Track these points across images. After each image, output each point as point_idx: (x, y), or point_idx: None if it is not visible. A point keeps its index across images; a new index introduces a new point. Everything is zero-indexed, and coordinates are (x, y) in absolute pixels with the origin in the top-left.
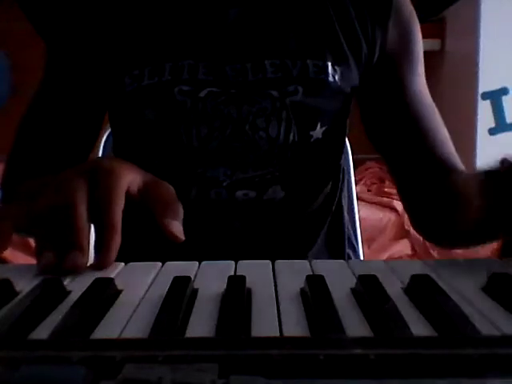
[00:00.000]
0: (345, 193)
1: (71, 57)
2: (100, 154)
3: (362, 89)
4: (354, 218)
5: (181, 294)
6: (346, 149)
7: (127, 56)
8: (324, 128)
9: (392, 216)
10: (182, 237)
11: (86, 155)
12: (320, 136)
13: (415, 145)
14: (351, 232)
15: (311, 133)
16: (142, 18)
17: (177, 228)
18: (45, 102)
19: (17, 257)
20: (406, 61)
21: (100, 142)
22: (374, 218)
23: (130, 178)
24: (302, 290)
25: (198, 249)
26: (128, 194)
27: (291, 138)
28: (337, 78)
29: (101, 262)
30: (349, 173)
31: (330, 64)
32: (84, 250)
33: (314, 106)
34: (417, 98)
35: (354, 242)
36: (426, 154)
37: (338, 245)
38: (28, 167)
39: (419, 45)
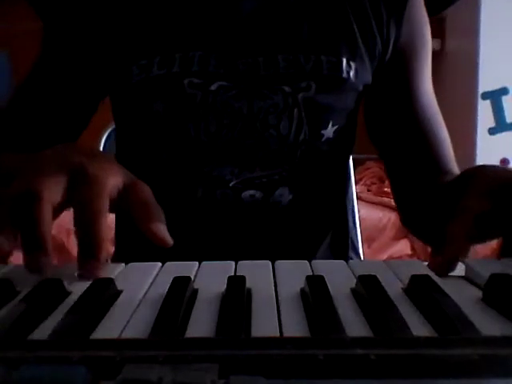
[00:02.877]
0: (348, 196)
1: (71, 39)
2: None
3: (370, 86)
4: (354, 217)
5: (181, 294)
6: None
7: (135, 45)
8: (336, 127)
9: (392, 216)
10: (170, 241)
11: (75, 135)
12: (331, 136)
13: (414, 146)
14: (354, 233)
15: (322, 132)
16: (152, 6)
17: (163, 232)
18: (40, 79)
19: (17, 257)
20: (416, 59)
21: (101, 140)
22: (373, 218)
23: (113, 183)
24: (302, 290)
25: (200, 249)
26: (110, 199)
27: (302, 136)
28: (351, 74)
29: (91, 272)
30: (349, 172)
31: (344, 60)
32: (48, 254)
33: (327, 104)
34: (422, 100)
35: (356, 244)
36: (423, 157)
37: (342, 248)
38: (12, 137)
39: (429, 43)
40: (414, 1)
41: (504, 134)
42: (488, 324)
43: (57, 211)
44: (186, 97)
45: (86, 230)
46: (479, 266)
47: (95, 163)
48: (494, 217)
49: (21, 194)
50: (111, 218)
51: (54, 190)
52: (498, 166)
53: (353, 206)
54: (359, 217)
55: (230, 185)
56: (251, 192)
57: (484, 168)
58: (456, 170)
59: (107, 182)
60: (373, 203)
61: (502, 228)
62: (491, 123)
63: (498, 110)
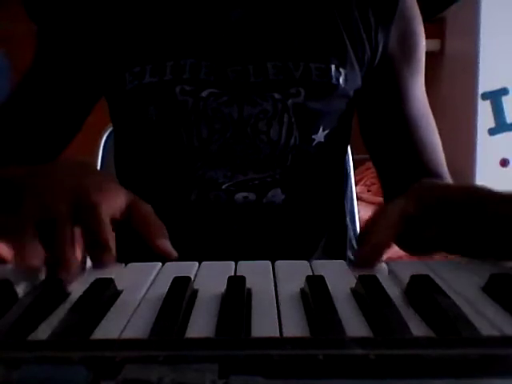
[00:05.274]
0: (347, 195)
1: (65, 46)
2: (100, 154)
3: (361, 90)
4: (354, 218)
5: (181, 294)
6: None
7: (128, 52)
8: (326, 131)
9: None
10: (175, 254)
11: (68, 138)
12: (322, 139)
13: (403, 151)
14: (352, 235)
15: (313, 136)
16: (144, 15)
17: (168, 247)
18: (34, 84)
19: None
20: (406, 65)
21: (101, 140)
22: None
23: (116, 206)
24: (302, 291)
25: (196, 251)
26: (112, 218)
27: (292, 141)
28: (341, 80)
29: (104, 261)
30: (349, 173)
31: (333, 66)
32: (72, 273)
33: (317, 109)
34: (413, 105)
35: (355, 244)
36: (412, 162)
37: (340, 248)
38: (5, 144)
39: (421, 50)
40: (404, 7)
41: (504, 134)
42: (488, 323)
43: None
44: (177, 103)
45: (93, 238)
46: (479, 266)
47: (99, 186)
48: (427, 226)
49: (42, 218)
50: None
51: (68, 213)
52: (441, 183)
53: (353, 206)
54: (359, 217)
55: (223, 187)
56: (244, 194)
57: (424, 182)
58: (446, 174)
59: (108, 204)
60: (373, 203)
61: (436, 238)
62: (491, 123)
63: (498, 111)
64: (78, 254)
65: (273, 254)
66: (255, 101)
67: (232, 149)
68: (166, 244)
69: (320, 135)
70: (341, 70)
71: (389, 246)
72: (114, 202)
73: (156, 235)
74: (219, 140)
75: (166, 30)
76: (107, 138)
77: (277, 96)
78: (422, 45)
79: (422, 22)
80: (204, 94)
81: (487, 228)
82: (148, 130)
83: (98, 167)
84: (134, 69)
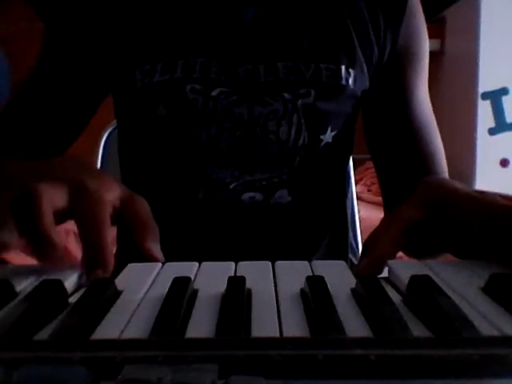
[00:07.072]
0: (348, 196)
1: (74, 43)
2: (100, 153)
3: (368, 91)
4: (354, 217)
5: (181, 294)
6: None
7: (139, 51)
8: (334, 132)
9: None
10: (162, 259)
11: (74, 136)
12: (330, 140)
13: (405, 154)
14: (352, 236)
15: (321, 137)
16: (156, 13)
17: (155, 252)
18: (41, 81)
19: (17, 257)
20: (410, 68)
21: (101, 140)
22: (374, 218)
23: (111, 198)
24: (302, 291)
25: (201, 249)
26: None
27: (301, 141)
28: (350, 81)
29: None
30: (349, 173)
31: (343, 67)
32: (53, 245)
33: (326, 110)
34: (416, 108)
35: (355, 247)
36: (413, 165)
37: (341, 251)
38: (12, 141)
39: (424, 48)
40: (412, 9)
41: (504, 134)
42: (488, 323)
43: (58, 220)
44: (187, 102)
45: (91, 241)
46: (479, 266)
47: (94, 179)
48: (432, 229)
49: (20, 195)
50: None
51: (52, 195)
52: (446, 184)
53: (353, 206)
54: (359, 217)
55: (231, 187)
56: (251, 194)
57: (428, 182)
58: (445, 176)
59: (106, 196)
60: (373, 203)
61: (441, 240)
62: (491, 123)
63: (497, 110)
64: (74, 246)
65: (275, 253)
66: (265, 101)
67: (241, 148)
68: (154, 248)
69: (328, 136)
70: (350, 70)
71: (389, 259)
72: (112, 192)
73: (146, 237)
74: (228, 139)
75: (177, 29)
76: (107, 137)
77: (287, 96)
78: (426, 46)
79: (424, 20)
80: (214, 93)
81: (492, 240)
82: (157, 128)
83: (98, 167)
84: (144, 67)
